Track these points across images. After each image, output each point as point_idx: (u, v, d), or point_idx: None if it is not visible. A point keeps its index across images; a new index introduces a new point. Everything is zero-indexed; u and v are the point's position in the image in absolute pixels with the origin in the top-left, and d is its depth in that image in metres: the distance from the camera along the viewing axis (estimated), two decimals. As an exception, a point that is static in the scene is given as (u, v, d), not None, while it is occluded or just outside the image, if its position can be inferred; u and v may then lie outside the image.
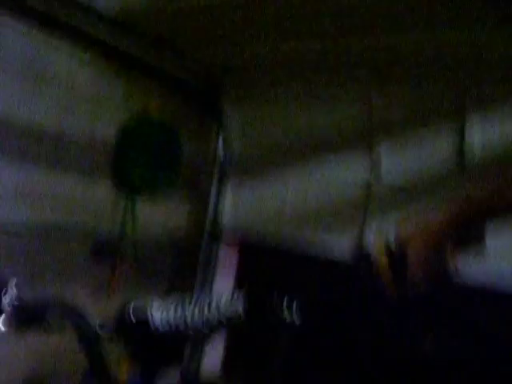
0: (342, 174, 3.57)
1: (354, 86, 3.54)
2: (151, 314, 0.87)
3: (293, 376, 2.91)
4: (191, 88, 4.17)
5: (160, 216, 4.06)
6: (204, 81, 4.23)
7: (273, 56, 3.60)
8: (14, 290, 0.88)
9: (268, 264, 3.99)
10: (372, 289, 0.99)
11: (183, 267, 4.24)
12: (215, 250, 4.34)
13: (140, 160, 3.84)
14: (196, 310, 0.89)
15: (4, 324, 0.84)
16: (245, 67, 3.99)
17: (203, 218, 4.38)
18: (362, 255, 0.99)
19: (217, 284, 4.22)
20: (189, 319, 0.88)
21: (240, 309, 0.89)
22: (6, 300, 0.86)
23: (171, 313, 0.88)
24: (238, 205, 4.22)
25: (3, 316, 0.85)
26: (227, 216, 4.29)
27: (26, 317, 0.88)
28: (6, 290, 0.88)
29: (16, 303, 0.88)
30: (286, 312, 0.91)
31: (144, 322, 0.87)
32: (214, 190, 4.36)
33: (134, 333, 0.88)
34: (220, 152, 4.35)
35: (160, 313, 0.87)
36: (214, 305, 0.91)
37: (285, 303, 0.92)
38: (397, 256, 0.98)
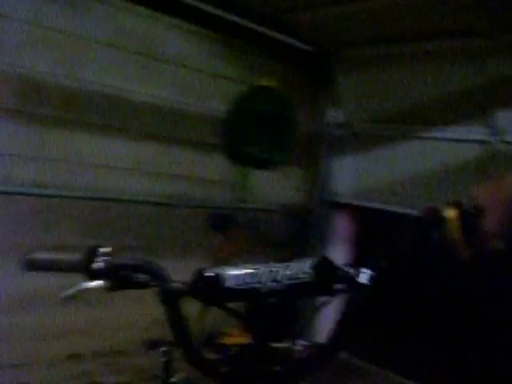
0: (461, 136, 3.42)
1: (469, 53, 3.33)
2: (223, 271, 0.91)
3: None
4: (304, 60, 4.14)
5: (274, 185, 4.13)
6: (316, 52, 4.17)
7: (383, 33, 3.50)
8: (106, 256, 0.99)
9: (370, 227, 3.98)
10: (444, 248, 0.93)
11: (297, 235, 4.28)
12: (327, 217, 4.34)
13: (255, 133, 3.88)
14: (268, 269, 0.90)
15: (103, 285, 0.96)
16: (355, 41, 3.89)
17: (315, 186, 4.39)
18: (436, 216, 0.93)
19: (329, 249, 4.24)
20: (256, 277, 0.89)
21: (307, 270, 0.89)
22: (98, 265, 1.00)
23: (239, 270, 0.90)
24: (350, 172, 4.18)
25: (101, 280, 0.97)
26: (339, 183, 4.27)
27: (116, 278, 0.97)
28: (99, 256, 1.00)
29: (107, 266, 0.99)
30: (360, 275, 0.90)
31: (216, 279, 0.91)
32: (325, 158, 4.33)
33: (207, 289, 0.92)
34: (331, 121, 4.30)
35: (232, 270, 0.91)
36: (284, 265, 0.91)
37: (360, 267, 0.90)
38: (471, 216, 0.92)
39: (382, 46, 3.79)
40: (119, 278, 1.00)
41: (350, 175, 4.21)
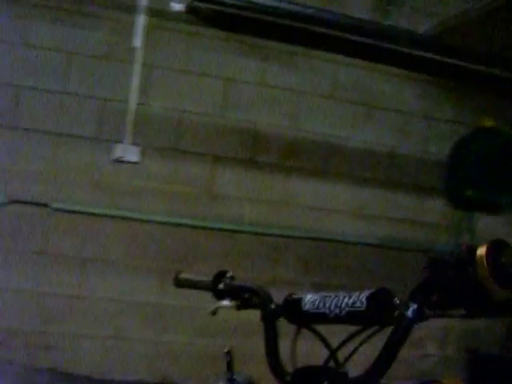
0: None
1: None
2: (303, 296, 1.04)
3: None
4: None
5: (501, 230, 3.84)
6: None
7: None
8: (230, 279, 1.24)
9: None
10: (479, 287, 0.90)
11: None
12: None
13: (478, 176, 3.72)
14: (334, 298, 1.00)
15: (226, 302, 1.21)
16: None
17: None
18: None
19: None
20: (327, 303, 1.00)
21: (362, 299, 0.95)
22: (221, 286, 1.24)
23: (318, 296, 1.02)
24: None
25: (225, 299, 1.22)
26: None
27: (235, 298, 1.21)
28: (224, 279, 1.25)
29: (227, 287, 1.22)
30: (404, 307, 0.93)
31: (298, 303, 1.05)
32: None
33: (291, 311, 1.07)
34: None
35: (310, 295, 1.03)
36: (349, 294, 1.00)
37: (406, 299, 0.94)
38: (503, 255, 0.87)
39: None
40: (237, 297, 1.19)
41: None
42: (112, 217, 3.28)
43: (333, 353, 1.00)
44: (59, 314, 3.30)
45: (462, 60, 3.55)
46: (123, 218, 3.29)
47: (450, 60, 3.56)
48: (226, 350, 1.21)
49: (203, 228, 3.38)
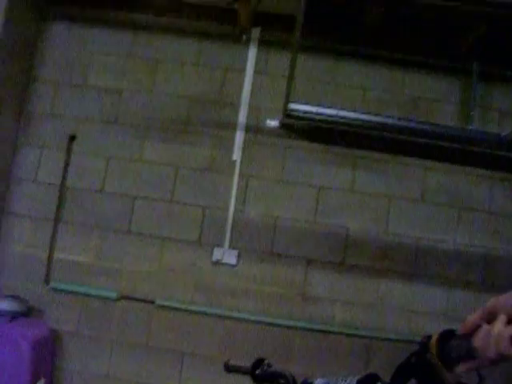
0: None
1: None
2: (314, 381, 1.20)
3: None
4: None
5: None
6: None
7: None
8: (265, 367, 1.42)
9: None
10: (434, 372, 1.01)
11: None
12: None
13: None
14: (335, 381, 1.15)
15: None
16: None
17: None
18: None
19: None
20: None
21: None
22: (258, 372, 1.48)
23: (324, 381, 1.18)
24: None
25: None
26: None
27: (269, 381, 1.42)
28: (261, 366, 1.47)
29: (262, 373, 1.43)
30: None
31: None
32: None
33: None
34: None
35: (319, 380, 1.20)
36: (345, 379, 1.14)
37: None
38: (450, 342, 0.97)
39: None
40: (274, 382, 1.42)
41: None
42: (210, 315, 3.52)
43: None
44: (160, 405, 3.53)
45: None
46: (220, 317, 3.52)
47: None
48: None
49: (296, 328, 3.52)
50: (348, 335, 3.52)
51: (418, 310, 3.58)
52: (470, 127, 3.66)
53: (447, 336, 0.98)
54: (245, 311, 3.53)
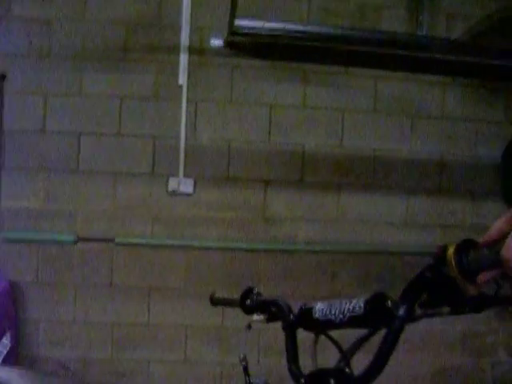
0: None
1: None
2: (314, 305, 1.14)
3: None
4: None
5: None
6: None
7: None
8: (255, 296, 1.38)
9: None
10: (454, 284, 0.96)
11: None
12: None
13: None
14: (338, 305, 1.08)
15: (256, 316, 1.32)
16: None
17: None
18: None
19: None
20: (332, 310, 1.09)
21: (361, 304, 1.03)
22: (248, 302, 1.38)
23: (325, 304, 1.11)
24: None
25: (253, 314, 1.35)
26: None
27: (262, 312, 1.33)
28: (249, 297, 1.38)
29: (253, 302, 1.36)
30: (395, 308, 0.99)
31: (310, 311, 1.15)
32: None
33: (304, 320, 1.19)
34: None
35: (319, 304, 1.13)
36: (350, 300, 1.08)
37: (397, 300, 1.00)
38: (469, 253, 0.93)
39: None
40: (265, 311, 1.30)
41: None
42: (172, 247, 3.45)
43: (344, 355, 1.10)
44: (129, 341, 3.49)
45: (502, 59, 3.53)
46: (182, 247, 3.45)
47: (491, 61, 3.54)
48: (241, 356, 1.33)
49: (260, 250, 3.49)
50: (312, 252, 3.52)
51: (377, 221, 3.60)
52: (419, 33, 3.59)
53: (465, 246, 0.92)
54: (206, 239, 3.47)
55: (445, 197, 3.68)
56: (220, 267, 3.48)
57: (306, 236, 3.53)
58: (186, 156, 3.45)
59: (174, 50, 3.45)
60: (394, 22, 3.63)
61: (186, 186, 3.44)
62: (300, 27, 3.37)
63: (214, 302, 1.58)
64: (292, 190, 3.52)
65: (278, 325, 1.23)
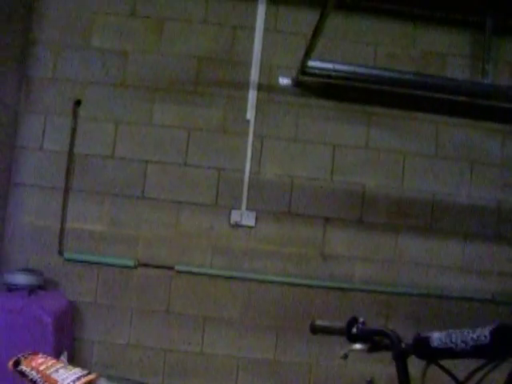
0: None
1: None
2: (431, 335, 1.15)
3: None
4: None
5: None
6: None
7: None
8: (361, 324, 1.38)
9: None
10: None
11: None
12: None
13: None
14: (460, 334, 1.09)
15: (358, 345, 1.34)
16: None
17: None
18: None
19: None
20: (453, 339, 1.10)
21: (486, 334, 1.03)
22: (355, 331, 1.38)
23: (443, 334, 1.12)
24: None
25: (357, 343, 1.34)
26: None
27: (367, 341, 1.34)
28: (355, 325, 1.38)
29: (360, 331, 1.36)
30: None
31: (427, 340, 1.16)
32: None
33: (420, 348, 1.18)
34: None
35: (437, 333, 1.14)
36: (473, 330, 1.08)
37: None
38: None
39: None
40: (368, 341, 1.32)
41: None
42: (230, 278, 3.50)
43: None
44: (181, 369, 3.52)
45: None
46: (240, 279, 3.50)
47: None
48: (368, 379, 1.34)
49: (316, 287, 3.52)
50: (368, 292, 3.54)
51: (434, 264, 3.62)
52: (483, 81, 3.65)
53: None
54: (265, 273, 3.51)
55: (503, 244, 3.69)
56: (276, 301, 3.51)
57: (362, 275, 3.56)
58: (249, 189, 3.52)
59: (244, 85, 3.55)
60: (457, 69, 3.70)
61: (248, 219, 3.50)
62: (368, 70, 3.45)
63: (316, 329, 1.53)
64: (351, 228, 3.57)
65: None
